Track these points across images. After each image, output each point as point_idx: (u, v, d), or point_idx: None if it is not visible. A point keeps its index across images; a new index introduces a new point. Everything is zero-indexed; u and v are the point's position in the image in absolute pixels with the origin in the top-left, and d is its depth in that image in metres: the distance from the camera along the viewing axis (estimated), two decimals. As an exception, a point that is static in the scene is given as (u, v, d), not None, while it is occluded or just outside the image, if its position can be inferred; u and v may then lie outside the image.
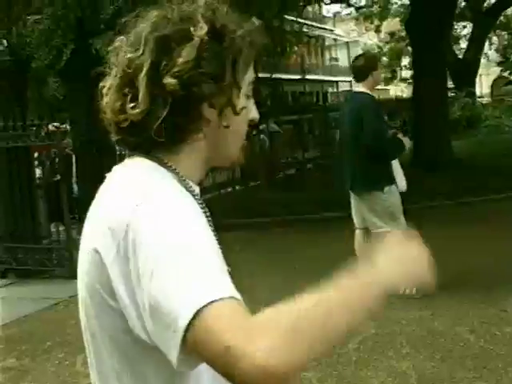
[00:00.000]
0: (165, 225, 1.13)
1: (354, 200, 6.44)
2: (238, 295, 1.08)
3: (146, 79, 1.22)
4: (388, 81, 46.57)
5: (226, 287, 1.08)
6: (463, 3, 28.39)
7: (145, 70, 1.23)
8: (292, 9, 17.93)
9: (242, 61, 1.29)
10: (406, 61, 38.96)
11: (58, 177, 10.09)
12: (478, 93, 36.47)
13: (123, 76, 1.26)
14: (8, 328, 6.79)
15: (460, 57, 29.02)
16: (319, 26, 51.66)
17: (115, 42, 1.32)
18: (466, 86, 27.03)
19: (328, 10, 50.51)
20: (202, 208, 1.31)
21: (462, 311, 5.78)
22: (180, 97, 1.22)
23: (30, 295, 8.01)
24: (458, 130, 21.42)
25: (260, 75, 26.87)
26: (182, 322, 1.03)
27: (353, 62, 6.87)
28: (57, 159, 10.37)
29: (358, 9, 32.46)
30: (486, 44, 34.04)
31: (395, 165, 6.44)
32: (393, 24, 36.87)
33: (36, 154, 10.63)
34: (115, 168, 1.34)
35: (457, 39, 34.65)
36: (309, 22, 40.88)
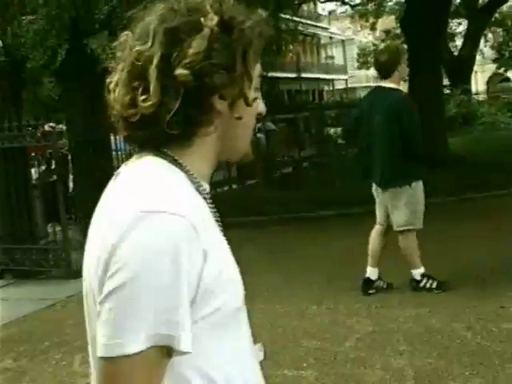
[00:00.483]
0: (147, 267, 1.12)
1: (379, 195, 6.41)
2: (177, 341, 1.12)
3: (157, 71, 1.21)
4: (384, 78, 46.57)
5: (144, 340, 1.10)
6: (458, 0, 28.43)
7: (155, 61, 1.21)
8: (287, 7, 17.93)
9: (252, 52, 1.28)
10: (401, 58, 38.81)
11: (55, 177, 10.09)
12: (473, 90, 36.54)
13: (132, 69, 1.24)
14: (5, 329, 6.78)
15: (455, 54, 29.07)
16: (314, 24, 51.72)
17: (121, 37, 1.31)
18: (462, 83, 27.08)
19: (323, 8, 50.65)
20: (210, 207, 1.31)
21: (458, 308, 5.79)
22: (192, 88, 1.21)
23: (27, 296, 8.01)
24: (454, 127, 21.45)
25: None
26: (99, 353, 1.12)
27: (375, 57, 6.71)
28: (53, 160, 10.36)
29: (353, 7, 32.52)
30: (482, 41, 34.08)
31: None
32: (388, 22, 36.87)
33: (32, 155, 10.63)
34: (123, 167, 1.33)
35: (452, 36, 34.65)
36: (304, 21, 40.92)
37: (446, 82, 24.79)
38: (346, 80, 59.47)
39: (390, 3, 33.79)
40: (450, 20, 23.77)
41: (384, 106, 6.15)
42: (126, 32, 1.31)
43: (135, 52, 1.25)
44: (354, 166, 6.75)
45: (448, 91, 26.31)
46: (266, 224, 10.92)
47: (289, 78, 44.03)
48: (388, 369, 4.68)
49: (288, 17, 20.44)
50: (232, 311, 1.24)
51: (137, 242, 1.12)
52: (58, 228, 9.31)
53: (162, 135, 1.24)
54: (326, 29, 57.45)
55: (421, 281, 6.27)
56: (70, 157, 11.97)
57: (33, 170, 11.35)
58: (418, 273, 6.28)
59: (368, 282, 6.46)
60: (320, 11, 53.64)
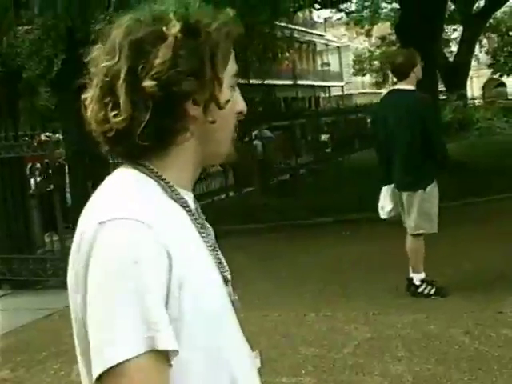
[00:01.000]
0: (112, 265, 1.13)
1: (398, 197, 6.40)
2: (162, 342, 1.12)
3: (125, 85, 1.21)
4: (380, 84, 46.76)
5: (141, 342, 1.10)
6: (453, 6, 28.52)
7: (122, 76, 1.21)
8: (283, 15, 17.95)
9: (220, 54, 1.27)
10: (397, 64, 38.91)
11: (52, 187, 10.09)
12: (469, 95, 36.60)
13: (103, 85, 1.24)
14: (3, 339, 6.76)
15: (451, 60, 29.12)
16: (310, 31, 51.80)
17: (93, 52, 1.30)
18: (458, 88, 27.13)
19: (318, 15, 50.68)
20: (191, 215, 1.30)
21: (456, 313, 5.78)
22: (161, 98, 1.20)
23: (24, 306, 7.99)
24: (450, 132, 21.48)
25: (252, 81, 26.96)
26: (94, 372, 1.12)
27: (391, 59, 6.77)
28: (49, 169, 10.36)
29: (348, 14, 32.56)
30: (477, 47, 34.18)
31: None
32: (383, 28, 37.04)
33: (29, 165, 10.63)
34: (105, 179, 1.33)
35: (447, 42, 34.80)
36: (300, 28, 41.04)
37: (441, 87, 24.85)
38: (342, 87, 59.55)
39: (385, 10, 33.86)
40: (445, 26, 23.86)
41: (404, 107, 6.16)
42: (97, 46, 1.30)
43: (103, 68, 1.24)
44: (375, 172, 6.72)
45: (444, 97, 26.36)
46: (263, 231, 10.92)
47: (285, 85, 44.05)
48: (386, 375, 4.68)
49: (284, 24, 20.50)
50: (198, 320, 1.21)
51: (99, 256, 1.14)
52: (56, 237, 9.30)
53: (138, 148, 1.24)
54: (321, 36, 57.52)
55: (420, 286, 6.27)
56: (66, 166, 11.98)
57: (31, 180, 11.38)
58: (418, 277, 6.28)
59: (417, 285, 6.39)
60: (315, 18, 53.72)
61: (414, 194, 6.17)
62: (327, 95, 56.61)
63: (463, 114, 26.39)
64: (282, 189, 15.90)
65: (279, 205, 12.76)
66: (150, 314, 1.11)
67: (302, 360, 5.13)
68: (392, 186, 6.38)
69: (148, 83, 1.19)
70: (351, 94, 57.33)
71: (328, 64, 59.56)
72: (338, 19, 40.62)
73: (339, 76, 60.26)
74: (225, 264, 1.37)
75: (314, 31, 53.83)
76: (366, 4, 31.91)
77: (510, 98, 45.65)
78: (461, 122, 25.59)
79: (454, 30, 35.47)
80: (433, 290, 6.24)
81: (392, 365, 4.83)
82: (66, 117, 10.85)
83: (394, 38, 30.70)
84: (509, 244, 7.52)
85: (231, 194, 15.99)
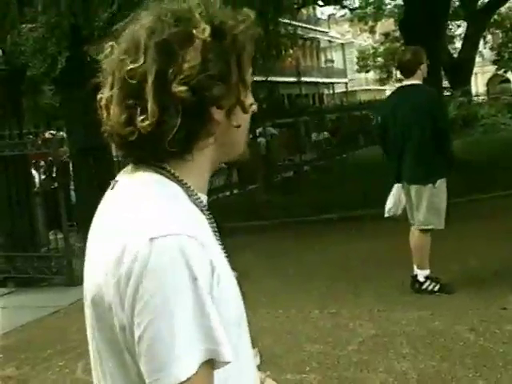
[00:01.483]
0: (168, 286, 1.12)
1: (406, 193, 6.41)
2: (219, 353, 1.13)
3: (154, 89, 1.17)
4: (384, 81, 46.70)
5: (196, 360, 1.11)
6: (457, 2, 28.46)
7: (150, 79, 1.17)
8: (286, 11, 17.94)
9: (245, 56, 1.25)
10: (401, 61, 38.86)
11: (56, 184, 10.10)
12: (473, 91, 36.54)
13: (125, 87, 1.20)
14: (8, 337, 6.78)
15: (455, 56, 29.05)
16: (314, 28, 51.75)
17: (106, 49, 1.27)
18: (462, 85, 27.06)
19: (322, 12, 50.60)
20: (208, 219, 1.30)
21: (461, 310, 5.78)
22: (191, 103, 1.18)
23: (29, 304, 8.00)
24: (455, 129, 21.44)
25: (256, 78, 26.86)
26: None
27: (398, 56, 6.84)
28: (54, 167, 10.38)
29: (352, 10, 32.51)
30: (481, 43, 34.09)
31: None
32: (387, 24, 36.98)
33: (33, 162, 10.64)
34: (121, 178, 1.30)
35: (451, 38, 34.70)
36: (303, 25, 40.97)
37: (445, 84, 24.79)
38: (346, 83, 59.51)
39: (388, 6, 33.85)
40: (449, 22, 23.83)
41: (414, 102, 6.20)
42: (110, 43, 1.27)
43: (127, 69, 1.20)
44: (385, 170, 6.73)
45: (448, 93, 26.30)
46: (267, 228, 10.92)
47: (289, 82, 44.04)
48: (391, 372, 4.68)
49: (287, 21, 20.45)
50: (228, 324, 1.21)
51: (154, 275, 1.12)
52: (60, 235, 9.32)
53: (163, 153, 1.22)
54: (325, 32, 57.50)
55: (424, 282, 6.27)
56: (71, 164, 11.99)
57: (36, 178, 11.39)
58: (423, 274, 6.27)
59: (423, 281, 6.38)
60: (319, 15, 53.65)
61: (423, 188, 6.17)
62: (331, 92, 56.59)
63: (467, 110, 26.33)
64: (286, 186, 15.92)
65: (283, 202, 12.77)
66: (212, 329, 1.12)
67: (307, 357, 5.13)
68: (400, 184, 6.40)
69: (179, 88, 1.17)
70: (355, 91, 57.31)
71: (332, 61, 59.51)
72: (342, 16, 40.65)
73: (343, 73, 60.23)
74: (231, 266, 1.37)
75: (317, 28, 53.80)
76: (370, 0, 31.92)
77: (514, 94, 45.56)
78: (465, 119, 25.52)
79: (458, 26, 35.38)
80: (437, 287, 6.24)
81: (397, 361, 4.83)
82: (71, 114, 10.84)
83: (397, 34, 30.61)
84: (507, 242, 7.50)
85: (235, 191, 16.02)
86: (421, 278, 6.28)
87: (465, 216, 9.00)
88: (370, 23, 36.13)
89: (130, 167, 1.30)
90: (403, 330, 5.46)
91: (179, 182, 1.25)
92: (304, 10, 36.84)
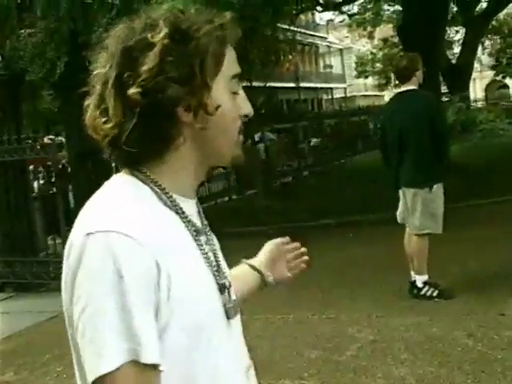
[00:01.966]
0: (96, 278, 1.14)
1: (404, 197, 6.42)
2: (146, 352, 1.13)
3: (113, 92, 1.22)
4: (382, 86, 46.77)
5: (126, 353, 1.12)
6: (455, 8, 28.50)
7: (110, 83, 1.22)
8: (285, 17, 17.97)
9: (210, 58, 1.24)
10: (399, 67, 38.94)
11: (55, 189, 10.10)
12: (472, 97, 36.59)
13: (100, 93, 1.26)
14: (6, 342, 6.78)
15: (453, 61, 29.10)
16: (312, 33, 51.85)
17: (95, 60, 1.31)
18: (460, 90, 27.07)
19: (321, 17, 50.78)
20: (185, 221, 1.29)
21: (459, 315, 5.78)
22: (147, 105, 1.20)
23: (27, 309, 8.00)
24: (453, 134, 21.46)
25: (254, 84, 26.96)
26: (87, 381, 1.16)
27: (395, 62, 6.90)
28: (52, 172, 10.38)
29: (350, 16, 32.59)
30: (479, 48, 34.16)
31: None
32: (386, 30, 37.07)
33: (32, 167, 10.63)
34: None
35: (450, 44, 34.77)
36: (302, 30, 41.05)
37: (444, 89, 24.82)
38: (345, 89, 59.60)
39: (387, 12, 33.89)
40: (447, 28, 23.86)
41: (411, 107, 6.23)
42: (100, 54, 1.30)
43: (98, 75, 1.26)
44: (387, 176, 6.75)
45: (446, 99, 26.33)
46: (265, 234, 10.91)
47: (287, 87, 44.09)
48: (389, 377, 4.67)
49: (286, 27, 20.50)
50: (190, 329, 1.21)
51: (85, 268, 1.15)
52: (58, 240, 9.31)
53: (133, 154, 1.24)
54: (324, 38, 57.59)
55: (422, 288, 6.27)
56: (69, 169, 11.99)
57: (35, 183, 11.39)
58: (421, 279, 6.27)
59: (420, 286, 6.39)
60: (318, 21, 53.81)
61: (419, 192, 6.18)
62: (330, 97, 56.65)
63: (466, 115, 26.31)
64: (285, 191, 15.92)
65: (282, 207, 12.77)
66: (134, 327, 1.12)
67: (305, 363, 5.13)
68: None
69: (132, 90, 1.19)
70: (354, 96, 57.39)
71: (330, 66, 59.62)
72: (341, 21, 40.60)
73: (342, 78, 60.31)
74: (224, 270, 1.36)
75: (316, 33, 53.90)
76: (369, 6, 31.96)
77: (512, 99, 45.66)
78: (464, 124, 25.53)
79: (457, 31, 35.47)
80: (435, 293, 6.24)
81: (395, 367, 4.83)
82: (69, 119, 10.85)
83: (396, 40, 30.68)
84: (509, 246, 7.51)
85: (234, 196, 16.03)
86: (419, 284, 6.28)
87: (463, 221, 9.00)
88: (369, 29, 36.21)
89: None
90: (401, 335, 5.46)
91: (153, 182, 1.27)
92: (303, 16, 36.90)
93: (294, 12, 19.49)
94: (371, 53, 46.83)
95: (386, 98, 45.17)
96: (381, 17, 34.31)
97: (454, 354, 4.95)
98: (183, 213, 1.29)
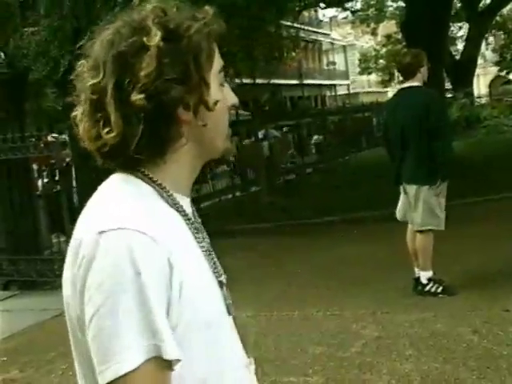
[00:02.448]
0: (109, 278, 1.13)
1: (405, 193, 6.41)
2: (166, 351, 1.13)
3: (113, 101, 1.20)
4: (386, 83, 46.68)
5: (142, 353, 1.11)
6: (458, 4, 28.46)
7: (109, 92, 1.21)
8: (288, 14, 17.95)
9: (203, 55, 1.26)
10: (403, 63, 38.89)
11: (58, 187, 10.10)
12: (476, 93, 36.53)
13: (91, 102, 1.24)
14: (11, 340, 6.79)
15: (457, 58, 29.06)
16: (316, 30, 51.78)
17: (78, 68, 1.30)
18: (464, 86, 27.06)
19: (324, 14, 50.73)
20: (187, 220, 1.30)
21: (464, 312, 5.77)
22: (151, 109, 1.20)
23: (32, 307, 8.01)
24: (457, 130, 21.44)
25: (258, 81, 26.94)
26: (101, 380, 1.13)
27: (399, 58, 6.88)
28: (56, 170, 10.38)
29: (353, 12, 32.53)
30: (483, 44, 34.11)
31: None
32: (389, 26, 36.97)
33: (36, 165, 10.64)
34: (101, 185, 1.33)
35: (453, 40, 34.69)
36: (305, 27, 41.00)
37: (448, 85, 24.78)
38: (348, 85, 59.52)
39: (390, 8, 33.87)
40: (451, 24, 23.81)
41: (413, 103, 6.21)
42: (81, 61, 1.30)
43: (89, 85, 1.24)
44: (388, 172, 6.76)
45: (450, 95, 26.30)
46: (270, 231, 10.92)
47: (291, 84, 44.07)
48: (394, 374, 4.67)
49: (289, 23, 20.48)
50: (196, 325, 1.22)
51: (99, 266, 1.14)
52: (63, 238, 9.31)
53: (134, 160, 1.24)
54: (327, 35, 57.51)
55: (427, 284, 6.26)
56: (73, 167, 11.99)
57: (39, 181, 11.40)
58: (425, 275, 6.26)
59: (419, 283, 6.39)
60: (321, 17, 53.73)
61: (421, 188, 6.17)
62: (333, 94, 56.59)
63: (470, 112, 26.31)
64: (289, 188, 15.92)
65: (286, 204, 12.77)
66: (154, 323, 1.12)
67: (310, 359, 5.13)
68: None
69: (136, 97, 1.19)
70: (357, 93, 57.33)
71: (334, 63, 59.52)
72: (344, 18, 40.67)
73: (345, 75, 60.22)
74: (219, 268, 1.36)
75: (319, 30, 53.82)
76: (372, 2, 31.94)
77: (516, 95, 45.54)
78: (468, 120, 25.52)
79: (460, 27, 35.38)
80: (440, 289, 6.23)
81: (400, 363, 4.83)
82: (71, 119, 10.84)
83: (399, 36, 30.59)
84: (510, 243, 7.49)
85: (238, 193, 16.02)
86: (424, 280, 6.28)
87: (464, 218, 8.99)
88: (372, 25, 36.18)
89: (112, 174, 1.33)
90: (406, 331, 5.46)
91: (153, 182, 1.27)
92: (306, 13, 36.90)
93: (297, 9, 19.50)
94: (374, 49, 46.69)
95: (390, 95, 45.02)
96: (384, 13, 34.30)
97: (459, 350, 4.95)
98: (184, 211, 1.30)
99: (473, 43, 28.30)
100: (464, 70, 27.29)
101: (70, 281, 1.21)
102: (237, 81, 17.57)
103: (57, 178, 10.64)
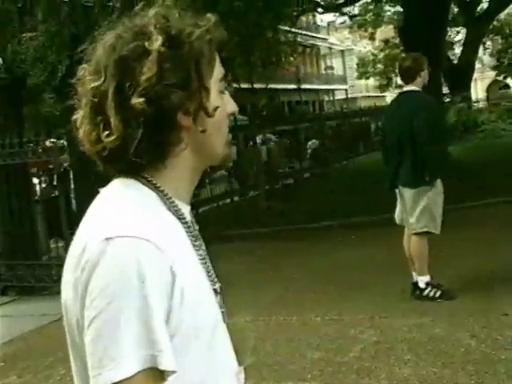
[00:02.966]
0: (113, 286, 1.13)
1: (401, 197, 6.42)
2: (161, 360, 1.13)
3: (114, 104, 1.21)
4: (384, 87, 46.73)
5: (139, 362, 1.11)
6: (456, 9, 28.51)
7: (110, 95, 1.22)
8: (286, 19, 17.97)
9: (204, 62, 1.27)
10: (400, 67, 38.92)
11: (57, 192, 10.10)
12: (473, 97, 36.56)
13: (92, 106, 1.25)
14: (9, 345, 6.78)
15: (455, 62, 29.11)
16: (313, 35, 51.83)
17: (79, 72, 1.31)
18: (462, 90, 27.10)
19: (322, 19, 50.73)
20: (186, 227, 1.31)
21: (462, 316, 5.77)
22: (151, 113, 1.21)
23: (30, 312, 8.00)
24: (455, 135, 21.45)
25: (256, 85, 26.96)
26: None
27: (400, 62, 6.90)
28: (54, 175, 10.38)
29: (351, 17, 32.58)
30: (481, 49, 34.17)
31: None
32: (387, 31, 37.03)
33: (34, 170, 10.63)
34: (102, 190, 1.33)
35: (451, 45, 34.74)
36: (303, 32, 41.05)
37: (445, 90, 24.83)
38: (346, 90, 59.55)
39: (388, 13, 33.89)
40: (448, 28, 23.87)
41: (406, 108, 6.24)
42: (83, 66, 1.31)
43: (91, 89, 1.25)
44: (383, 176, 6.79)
45: (448, 99, 26.33)
46: (267, 235, 10.92)
47: (289, 89, 44.09)
48: (393, 379, 4.67)
49: (287, 28, 20.50)
50: (193, 332, 1.22)
51: (104, 272, 1.14)
52: (61, 243, 9.31)
53: (134, 164, 1.24)
54: (325, 39, 57.59)
55: (425, 289, 6.26)
56: (71, 172, 11.98)
57: (37, 186, 11.38)
58: (423, 280, 6.27)
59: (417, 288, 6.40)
60: (319, 22, 53.77)
61: (418, 191, 6.17)
62: (331, 99, 56.64)
63: (467, 116, 26.33)
64: (287, 193, 15.91)
65: (284, 209, 12.77)
66: (153, 333, 1.12)
67: (308, 364, 5.12)
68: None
69: (137, 100, 1.20)
70: (355, 97, 57.35)
71: (332, 67, 59.59)
72: (342, 23, 40.76)
73: (343, 79, 60.28)
74: (214, 276, 1.37)
75: (317, 35, 53.90)
76: (370, 7, 31.96)
77: (514, 100, 45.60)
78: (465, 125, 25.54)
79: (458, 32, 35.43)
80: (438, 293, 6.23)
81: (398, 368, 4.83)
82: (71, 122, 10.83)
83: (397, 41, 30.67)
84: (508, 247, 7.49)
85: (236, 198, 16.01)
86: (421, 285, 6.28)
87: (461, 222, 9.00)
88: (370, 30, 36.20)
89: (113, 179, 1.33)
90: (404, 336, 5.46)
91: (156, 188, 1.28)
92: (303, 18, 36.92)
93: (294, 14, 19.50)
94: (372, 54, 46.75)
95: (388, 99, 45.10)
96: (382, 18, 34.33)
97: (458, 355, 4.95)
98: (184, 218, 1.31)
99: (470, 48, 28.36)
100: (462, 75, 27.34)
101: (71, 284, 1.20)
102: (235, 86, 17.60)
103: (55, 183, 10.64)
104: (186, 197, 1.35)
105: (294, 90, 45.28)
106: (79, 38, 9.58)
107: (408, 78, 6.37)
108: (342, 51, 61.87)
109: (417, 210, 6.19)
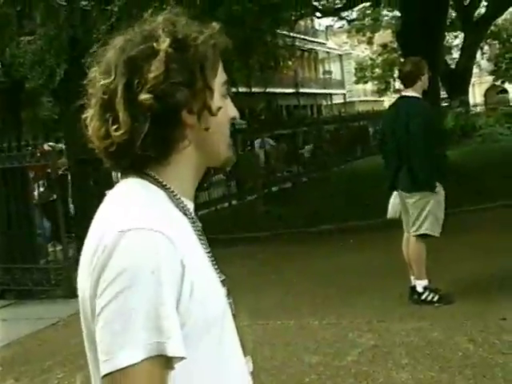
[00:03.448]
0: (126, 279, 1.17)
1: (402, 202, 6.44)
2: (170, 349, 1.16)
3: (123, 100, 1.28)
4: (382, 92, 46.82)
5: (146, 348, 1.15)
6: (454, 13, 28.57)
7: (120, 92, 1.29)
8: (284, 23, 18.01)
9: (208, 64, 1.34)
10: (398, 72, 39.00)
11: (55, 196, 10.09)
12: (471, 102, 36.60)
13: (102, 103, 1.32)
14: (7, 349, 6.77)
15: (452, 67, 29.15)
16: (312, 39, 51.88)
17: (90, 74, 1.37)
18: (460, 95, 27.14)
19: (320, 23, 50.83)
20: (192, 223, 1.36)
21: (460, 320, 5.77)
22: (158, 109, 1.27)
23: (28, 316, 7.99)
24: (453, 139, 21.47)
25: (254, 89, 26.97)
26: (103, 370, 1.17)
27: (400, 66, 6.91)
28: (52, 179, 10.37)
29: (349, 21, 32.65)
30: (478, 53, 34.23)
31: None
32: (385, 36, 37.10)
33: (33, 174, 10.62)
34: (110, 191, 1.38)
35: (449, 49, 34.82)
36: (301, 36, 41.08)
37: (443, 94, 24.85)
38: (344, 94, 59.65)
39: (386, 18, 33.97)
40: (446, 33, 23.91)
41: (404, 113, 6.25)
42: (94, 68, 1.37)
43: (101, 86, 1.32)
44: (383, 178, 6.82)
45: (446, 104, 26.36)
46: (265, 239, 10.92)
47: (287, 93, 44.15)
48: (390, 383, 4.67)
49: (285, 33, 20.54)
50: (203, 324, 1.26)
51: (118, 262, 1.19)
52: (59, 247, 9.30)
53: (140, 159, 1.31)
54: (323, 44, 57.63)
55: (423, 293, 6.26)
56: (69, 176, 11.98)
57: (35, 190, 11.39)
58: (421, 284, 6.27)
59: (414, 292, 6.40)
60: (317, 26, 53.85)
61: (421, 198, 6.17)
62: (329, 103, 56.68)
63: (465, 120, 26.35)
64: (285, 197, 15.91)
65: (282, 213, 12.77)
66: (162, 321, 1.16)
67: (306, 368, 5.12)
68: (396, 192, 6.45)
69: (145, 96, 1.27)
70: (353, 102, 57.42)
71: (330, 72, 59.65)
72: (340, 27, 40.73)
73: (341, 84, 60.36)
74: (219, 270, 1.41)
75: (315, 39, 53.94)
76: (368, 12, 32.03)
77: (512, 104, 45.71)
78: (463, 129, 25.56)
79: (456, 36, 35.53)
80: (436, 297, 6.24)
81: (396, 372, 4.82)
82: (69, 126, 10.85)
83: (395, 45, 30.73)
84: (506, 252, 7.49)
85: (234, 202, 16.02)
86: (419, 289, 6.28)
87: (459, 226, 8.99)
88: (368, 34, 36.28)
89: (120, 180, 1.38)
90: (402, 340, 5.46)
91: (162, 186, 1.34)
92: (302, 22, 36.98)
93: (292, 18, 19.54)
94: (370, 58, 46.83)
95: (386, 104, 45.19)
96: (380, 22, 34.41)
97: (455, 359, 4.95)
98: (190, 214, 1.37)
99: (468, 52, 28.42)
100: (459, 79, 27.38)
101: (86, 275, 1.25)
102: (233, 90, 17.61)
103: (53, 186, 10.63)
104: (190, 194, 1.41)
105: (292, 94, 45.35)
106: (77, 41, 9.61)
107: (408, 81, 6.39)
108: (340, 55, 61.94)
109: (422, 215, 6.19)
